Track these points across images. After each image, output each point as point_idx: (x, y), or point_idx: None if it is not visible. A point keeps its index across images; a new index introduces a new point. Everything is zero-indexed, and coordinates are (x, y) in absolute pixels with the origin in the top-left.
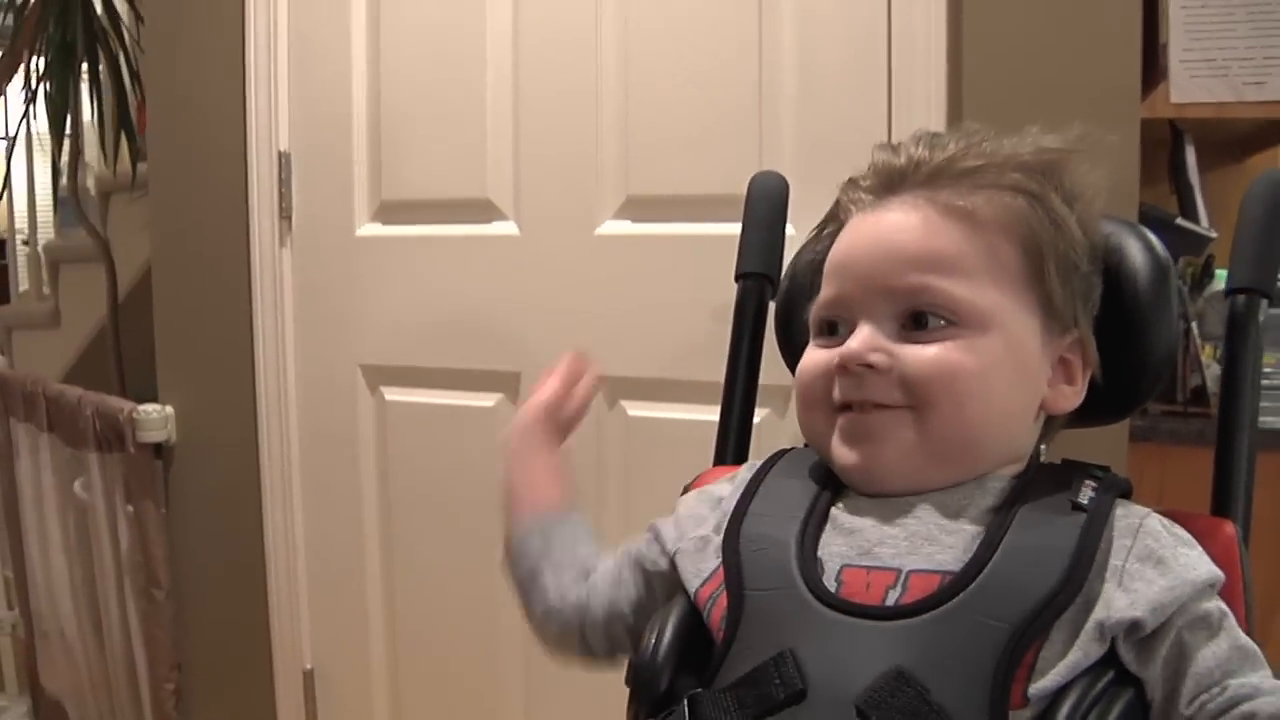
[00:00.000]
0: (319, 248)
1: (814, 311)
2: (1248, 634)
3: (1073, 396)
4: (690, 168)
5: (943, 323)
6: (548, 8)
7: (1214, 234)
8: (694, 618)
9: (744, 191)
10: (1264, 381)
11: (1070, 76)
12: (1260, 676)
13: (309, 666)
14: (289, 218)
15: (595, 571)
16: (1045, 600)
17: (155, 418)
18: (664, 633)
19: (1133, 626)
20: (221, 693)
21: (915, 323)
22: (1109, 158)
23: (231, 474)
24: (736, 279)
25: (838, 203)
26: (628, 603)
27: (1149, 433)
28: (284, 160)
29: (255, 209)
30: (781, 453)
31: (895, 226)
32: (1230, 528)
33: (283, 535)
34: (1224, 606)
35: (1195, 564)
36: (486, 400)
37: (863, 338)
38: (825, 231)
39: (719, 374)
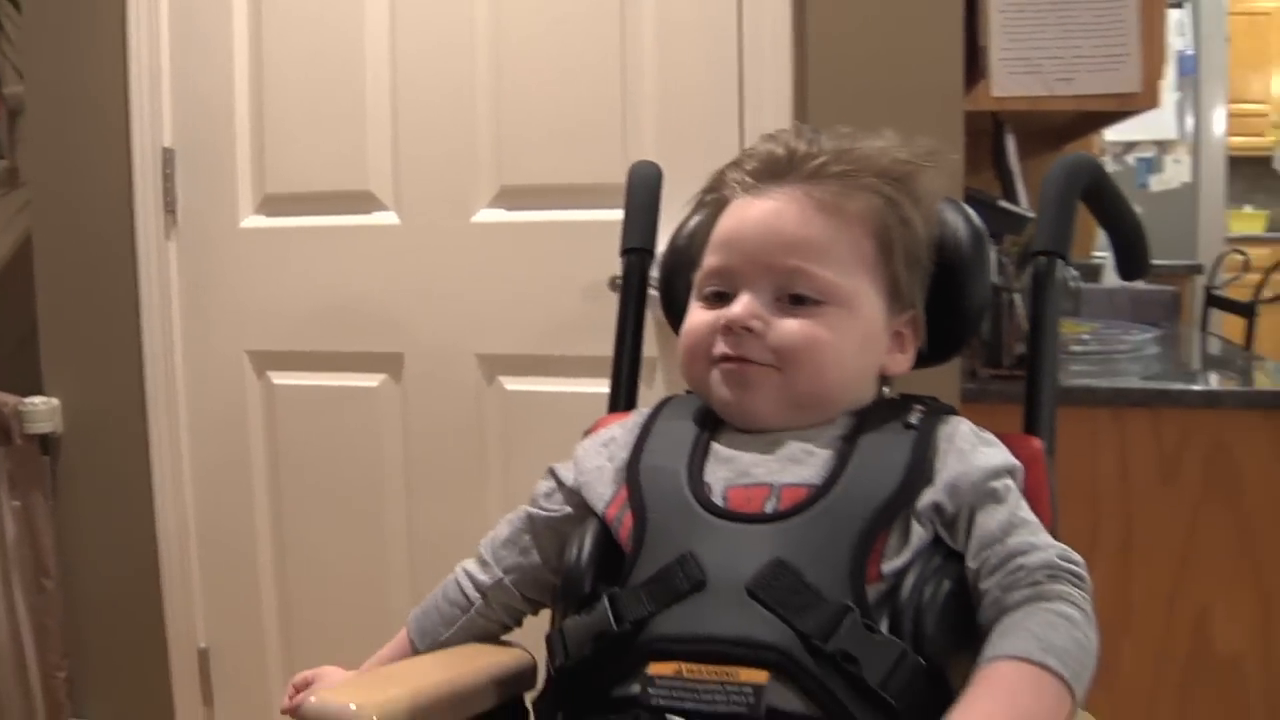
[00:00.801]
0: (204, 240)
1: (701, 277)
2: (1052, 533)
3: (904, 363)
4: (560, 159)
5: (811, 301)
6: (424, 6)
7: (1033, 214)
8: (605, 534)
9: (610, 181)
10: (1080, 348)
11: (901, 76)
12: (1038, 537)
13: (203, 646)
14: (174, 211)
15: (491, 564)
16: (888, 500)
17: (41, 410)
18: (584, 545)
19: (936, 508)
20: (115, 678)
21: (790, 298)
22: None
23: (121, 463)
24: (622, 254)
25: (722, 181)
26: (540, 556)
27: (980, 394)
28: (168, 156)
29: (140, 203)
30: (666, 400)
31: (779, 213)
32: (1037, 442)
33: (174, 520)
34: (1010, 486)
35: (990, 456)
36: (370, 381)
37: (745, 305)
38: (705, 207)
39: (589, 349)
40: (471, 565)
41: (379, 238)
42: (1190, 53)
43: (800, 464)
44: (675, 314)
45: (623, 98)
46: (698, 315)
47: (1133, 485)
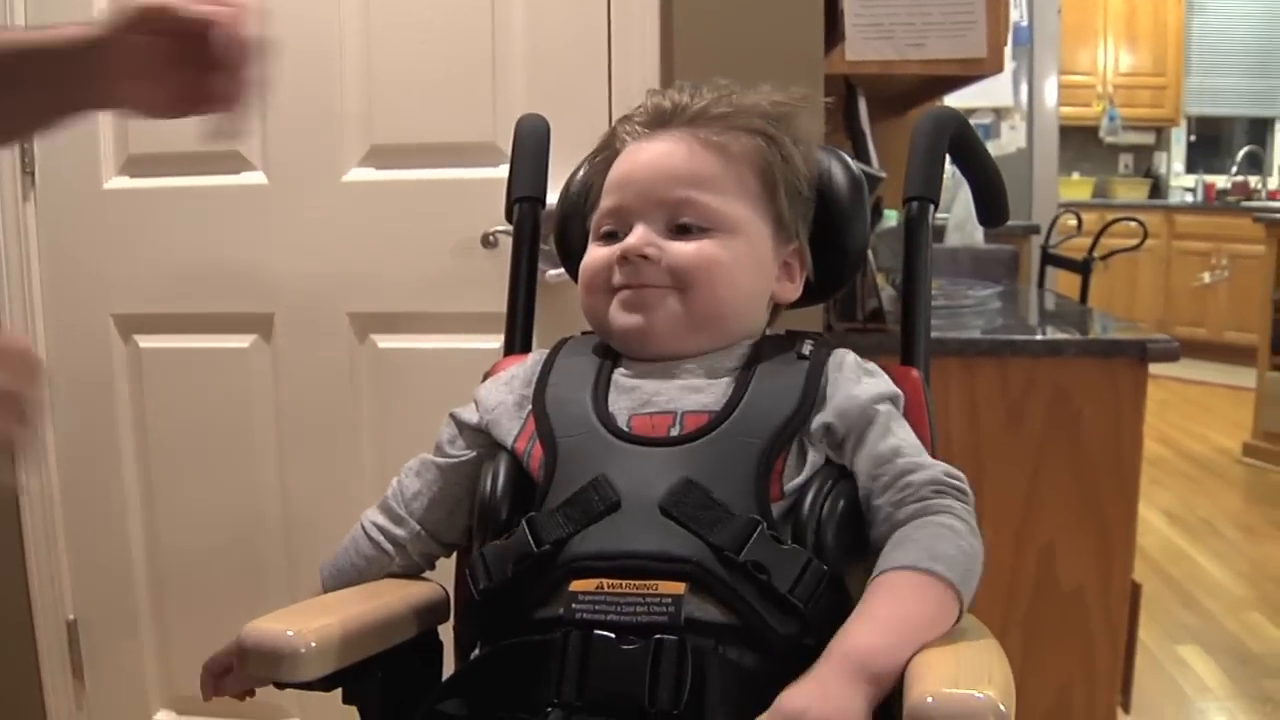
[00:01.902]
0: (65, 203)
1: (596, 219)
2: (932, 454)
3: (792, 291)
4: (430, 118)
5: (701, 228)
6: None
7: (883, 174)
8: (516, 465)
9: (480, 140)
10: (958, 303)
11: (764, 37)
12: (923, 457)
13: (71, 617)
14: (31, 173)
15: (406, 518)
16: (784, 422)
17: None
18: (497, 475)
19: (827, 429)
20: None
21: (680, 228)
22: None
23: None
24: (513, 203)
25: (613, 134)
26: (453, 502)
27: (860, 346)
28: None
29: None
30: (565, 340)
31: (666, 152)
32: (915, 373)
33: (37, 488)
34: (893, 411)
35: (874, 384)
36: (241, 342)
37: (639, 234)
38: (598, 159)
39: (462, 305)
40: (382, 520)
41: (248, 198)
42: (1025, 24)
43: (700, 391)
44: (572, 262)
45: (492, 55)
46: (594, 252)
47: (981, 430)
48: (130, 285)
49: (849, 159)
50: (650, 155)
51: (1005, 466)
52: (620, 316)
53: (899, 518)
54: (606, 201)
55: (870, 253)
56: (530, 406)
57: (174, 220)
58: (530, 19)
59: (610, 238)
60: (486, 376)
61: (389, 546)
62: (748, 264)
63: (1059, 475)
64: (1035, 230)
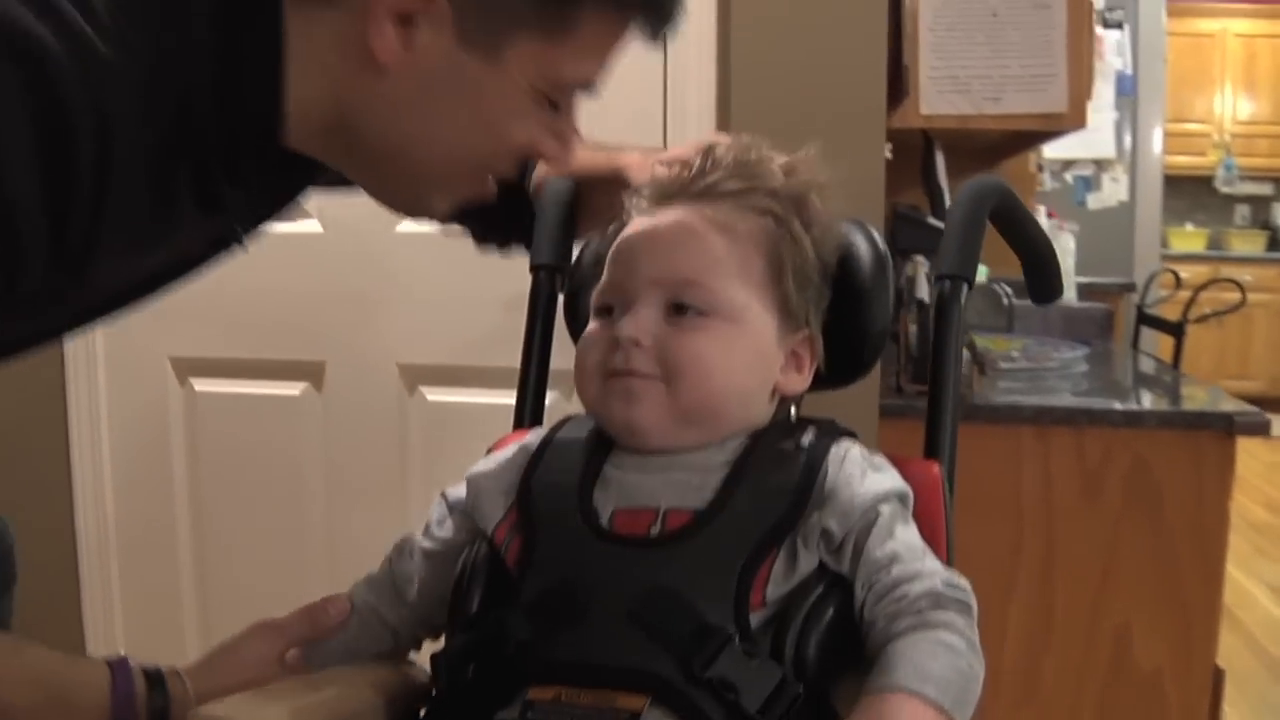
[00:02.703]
0: None
1: (594, 296)
2: (948, 560)
3: (799, 382)
4: None
5: (699, 312)
6: None
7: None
8: (493, 554)
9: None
10: (1008, 364)
11: (824, 92)
12: (923, 564)
13: (123, 653)
14: None
15: (399, 600)
16: (774, 525)
17: None
18: (472, 566)
19: (824, 534)
20: None
21: (677, 310)
22: (859, 162)
23: (42, 466)
24: (531, 270)
25: (626, 212)
26: (444, 587)
27: (904, 410)
28: None
29: None
30: (565, 419)
31: (668, 229)
32: (936, 467)
33: (94, 525)
34: (897, 511)
35: (878, 481)
36: (293, 389)
37: (632, 319)
38: (610, 231)
39: (510, 360)
40: (373, 600)
41: (302, 246)
42: (1129, 72)
43: (687, 487)
44: (579, 334)
45: None
46: (589, 332)
47: (1056, 502)
48: (188, 329)
49: (875, 233)
50: (652, 230)
51: (1080, 541)
52: (608, 406)
53: (892, 632)
54: (605, 277)
55: None
56: (516, 493)
57: (231, 265)
58: None
59: (607, 314)
60: (490, 451)
61: (382, 631)
62: (746, 354)
63: (1137, 551)
64: (1131, 288)
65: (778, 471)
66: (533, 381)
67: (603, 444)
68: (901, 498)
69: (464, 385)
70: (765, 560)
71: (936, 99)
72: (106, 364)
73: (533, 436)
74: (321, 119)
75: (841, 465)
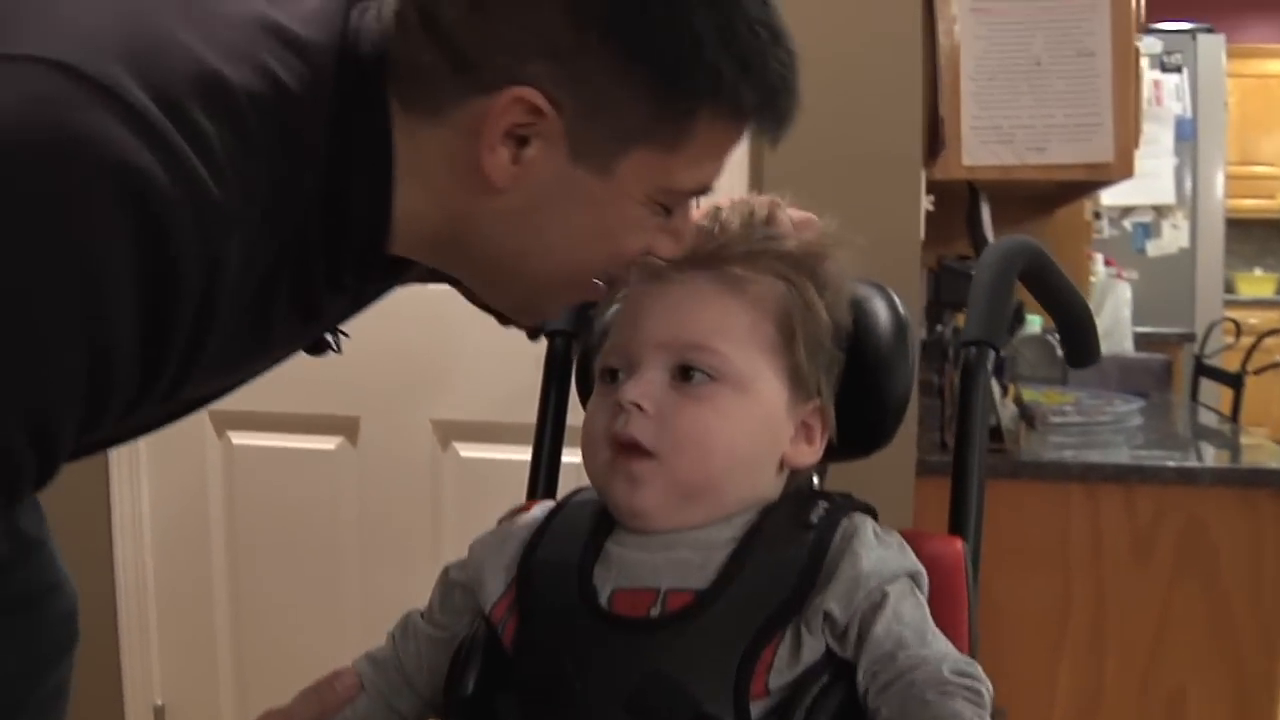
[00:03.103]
0: None
1: (599, 360)
2: (970, 636)
3: (810, 454)
4: None
5: (706, 377)
6: None
7: None
8: (491, 633)
9: None
10: (1059, 419)
11: (859, 144)
12: (931, 649)
13: (159, 703)
14: None
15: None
16: (778, 608)
17: None
18: (469, 646)
19: (827, 618)
20: None
21: (683, 374)
22: (894, 217)
23: (82, 515)
24: (545, 335)
25: (635, 274)
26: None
27: (949, 467)
28: None
29: None
30: (574, 492)
31: (675, 292)
32: (959, 544)
33: (134, 575)
34: (906, 592)
35: (885, 560)
36: (328, 443)
37: (635, 383)
38: (619, 296)
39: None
40: (381, 682)
41: None
42: (1189, 117)
43: (690, 566)
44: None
45: None
46: (593, 399)
47: (1106, 562)
48: None
49: (895, 298)
50: (661, 294)
51: (1132, 602)
52: (612, 486)
53: None
54: (610, 339)
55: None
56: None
57: None
58: None
59: (611, 378)
60: (501, 521)
61: (389, 715)
62: (753, 425)
63: (1191, 614)
64: (1190, 338)
65: (784, 550)
66: (546, 451)
67: (606, 519)
68: (913, 576)
69: (497, 441)
70: (768, 646)
71: (979, 149)
72: None
73: (537, 510)
74: (432, 232)
75: (850, 543)
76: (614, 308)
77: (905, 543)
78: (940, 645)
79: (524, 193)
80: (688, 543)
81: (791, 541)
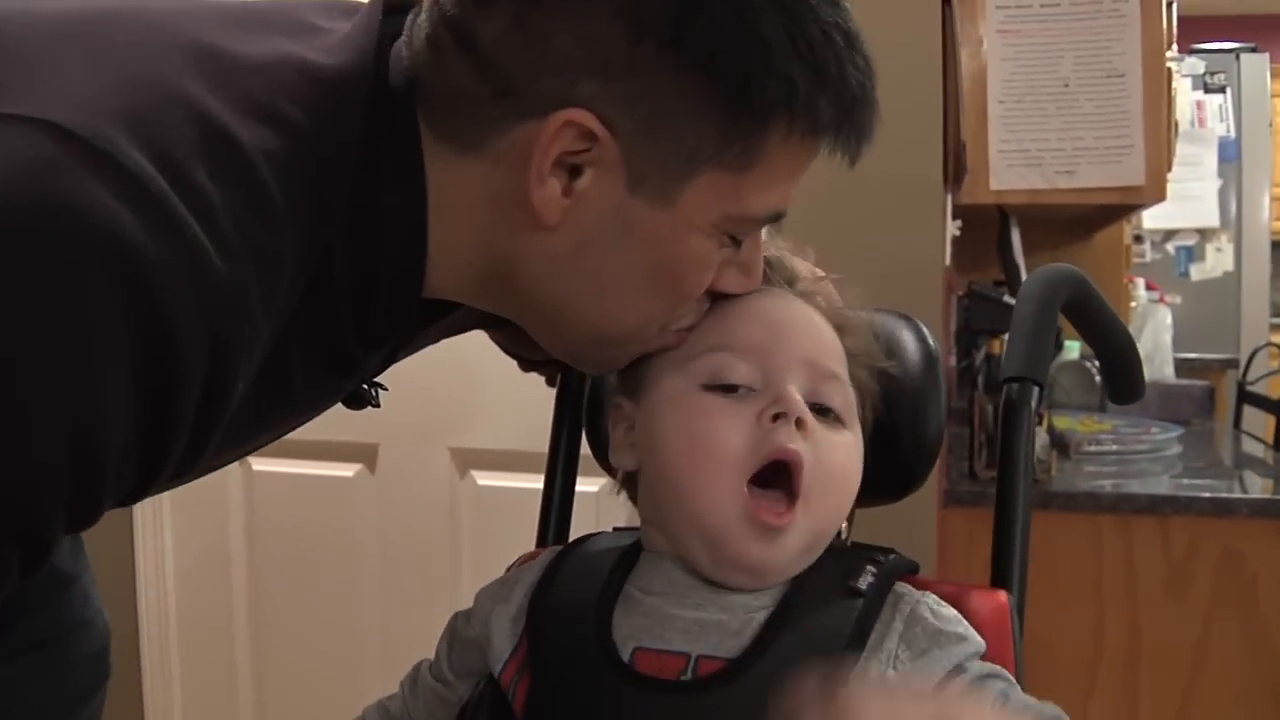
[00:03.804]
0: None
1: (708, 361)
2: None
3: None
4: None
5: (836, 419)
6: None
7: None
8: (499, 698)
9: None
10: (1095, 448)
11: (877, 169)
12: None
13: None
14: None
15: None
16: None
17: None
18: (475, 711)
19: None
20: None
21: (816, 410)
22: (915, 245)
23: (105, 544)
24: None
25: None
26: None
27: (978, 497)
28: None
29: None
30: (587, 536)
31: (807, 313)
32: (1004, 597)
33: (155, 600)
34: (983, 671)
35: (961, 639)
36: (347, 470)
37: (798, 395)
38: None
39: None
40: None
41: None
42: (1233, 138)
43: (724, 630)
44: (600, 441)
45: None
46: (712, 405)
47: (1140, 595)
48: None
49: (924, 328)
50: (789, 307)
51: (1165, 639)
52: (736, 532)
53: None
54: (732, 338)
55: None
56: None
57: None
58: None
59: (729, 390)
60: (510, 569)
61: None
62: (859, 477)
63: (1228, 649)
64: (1234, 364)
65: (828, 616)
66: (558, 491)
67: (628, 556)
68: (979, 655)
69: (515, 470)
70: None
71: (1007, 173)
72: None
73: (545, 555)
74: (477, 276)
75: (908, 623)
76: None
77: (962, 617)
78: (1018, 693)
79: (577, 228)
80: (725, 602)
81: (837, 608)
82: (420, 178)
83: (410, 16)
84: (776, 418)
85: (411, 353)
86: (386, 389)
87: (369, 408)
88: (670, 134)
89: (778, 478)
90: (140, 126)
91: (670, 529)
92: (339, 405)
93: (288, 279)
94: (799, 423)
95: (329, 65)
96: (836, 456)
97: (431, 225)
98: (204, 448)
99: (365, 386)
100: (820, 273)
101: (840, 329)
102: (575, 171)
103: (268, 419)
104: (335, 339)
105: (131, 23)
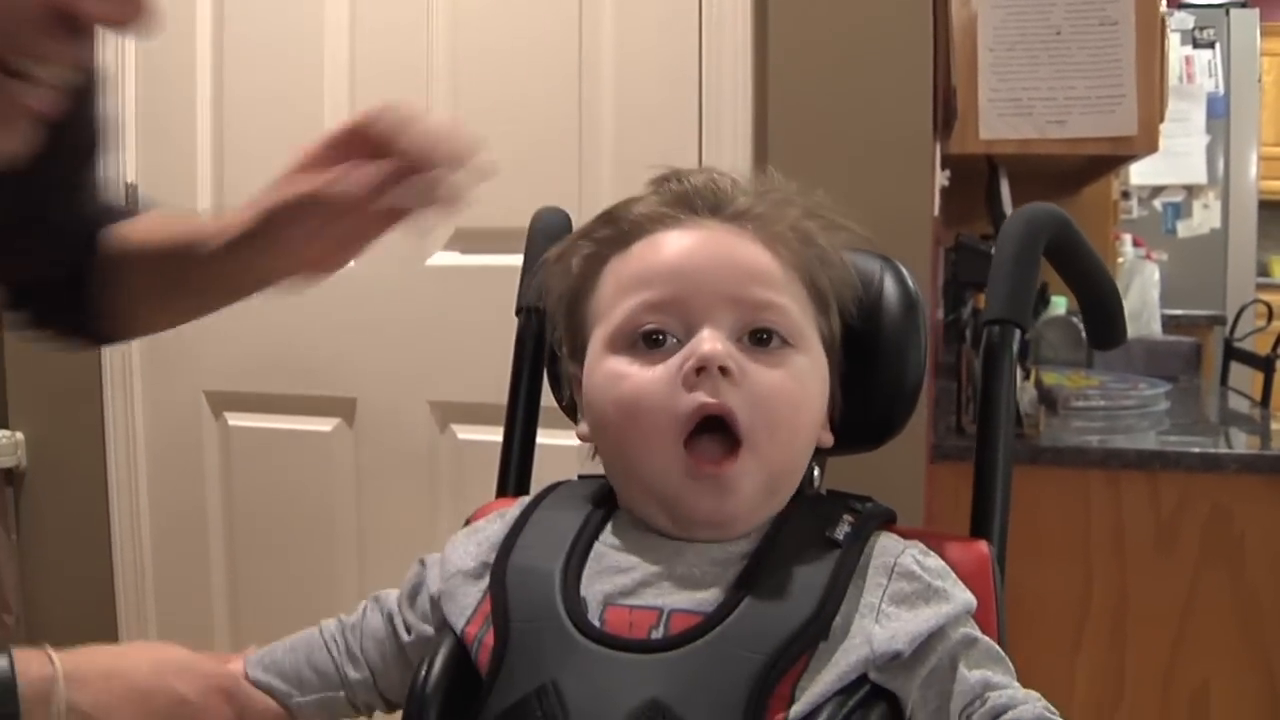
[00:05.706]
0: None
1: (626, 317)
2: (1000, 643)
3: (828, 439)
4: (516, 201)
5: (783, 341)
6: (381, 38)
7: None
8: (461, 653)
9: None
10: (1082, 403)
11: (866, 116)
12: (1014, 687)
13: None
14: None
15: (360, 658)
16: (796, 633)
17: (5, 443)
18: (432, 668)
19: (894, 656)
20: None
21: (755, 340)
22: (903, 192)
23: (81, 499)
24: (517, 313)
25: (629, 221)
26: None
27: (966, 452)
28: (130, 190)
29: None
30: (554, 485)
31: (733, 241)
32: (984, 547)
33: (131, 557)
34: (976, 630)
35: (948, 596)
36: (325, 425)
37: (715, 339)
38: (584, 249)
39: (544, 399)
40: (340, 650)
41: (332, 280)
42: (1221, 94)
43: (698, 584)
44: (559, 380)
45: (579, 139)
46: (633, 370)
47: (1127, 552)
48: (222, 364)
49: (904, 270)
50: (712, 240)
51: (1154, 595)
52: (687, 491)
53: None
54: (647, 293)
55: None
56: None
57: (263, 299)
58: (619, 103)
59: (653, 344)
60: (468, 522)
61: (338, 679)
62: (815, 399)
63: (1216, 607)
64: (1221, 321)
65: (804, 566)
66: (517, 442)
67: (601, 507)
68: (970, 610)
69: (495, 423)
70: (786, 675)
71: (997, 122)
72: (143, 397)
73: (514, 508)
74: None
75: (892, 576)
76: (573, 263)
77: (949, 569)
78: (1014, 680)
79: None
80: (696, 555)
81: (813, 558)
82: None
83: None
84: (700, 372)
85: None
86: None
87: None
88: None
89: (716, 427)
90: None
91: (629, 493)
92: (315, 365)
93: None
94: (723, 370)
95: None
96: (780, 389)
97: None
98: None
99: None
100: (795, 199)
101: (775, 240)
102: None
103: None
104: None
105: None
